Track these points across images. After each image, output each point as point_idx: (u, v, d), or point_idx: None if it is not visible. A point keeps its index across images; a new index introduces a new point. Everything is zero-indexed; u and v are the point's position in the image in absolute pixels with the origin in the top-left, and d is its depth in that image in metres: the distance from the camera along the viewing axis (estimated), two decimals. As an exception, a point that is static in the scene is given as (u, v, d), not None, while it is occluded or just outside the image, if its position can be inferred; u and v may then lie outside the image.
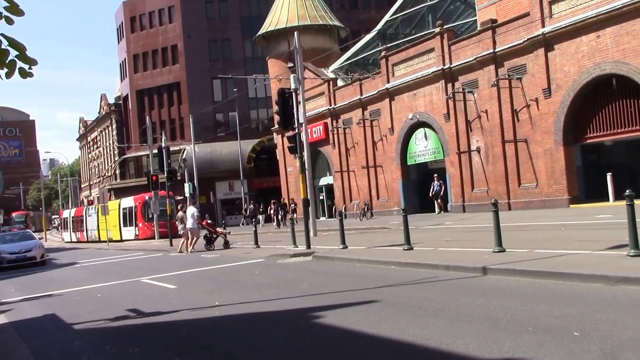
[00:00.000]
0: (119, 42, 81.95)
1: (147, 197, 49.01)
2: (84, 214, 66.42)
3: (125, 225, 54.22)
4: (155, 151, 42.33)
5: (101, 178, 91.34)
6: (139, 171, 74.73)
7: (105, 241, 53.26)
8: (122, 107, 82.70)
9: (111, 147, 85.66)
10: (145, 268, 22.26)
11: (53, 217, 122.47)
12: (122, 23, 78.37)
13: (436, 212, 35.54)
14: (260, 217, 51.03)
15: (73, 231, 69.67)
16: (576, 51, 27.90)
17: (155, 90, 74.50)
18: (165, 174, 37.25)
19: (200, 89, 70.38)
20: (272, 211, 49.75)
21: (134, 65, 75.84)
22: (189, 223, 27.25)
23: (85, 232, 65.13)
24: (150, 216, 47.96)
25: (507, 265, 11.64)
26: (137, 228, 51.70)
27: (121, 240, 52.71)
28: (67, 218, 74.43)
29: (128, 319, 11.22)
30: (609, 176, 27.74)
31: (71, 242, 68.06)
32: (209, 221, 29.68)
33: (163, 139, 43.12)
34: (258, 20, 60.20)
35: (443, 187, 36.06)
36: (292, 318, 9.86)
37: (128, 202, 54.85)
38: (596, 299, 8.75)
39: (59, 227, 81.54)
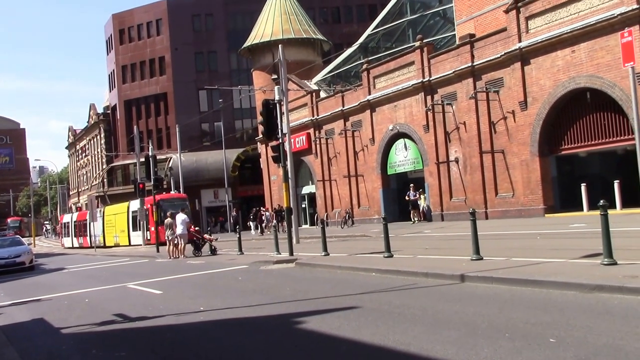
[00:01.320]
0: (108, 54, 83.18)
1: (159, 199, 46.28)
2: (87, 218, 60.57)
3: (135, 229, 50.76)
4: (143, 160, 42.73)
5: (89, 185, 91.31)
6: (127, 179, 75.73)
7: (111, 246, 51.25)
8: (111, 116, 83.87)
9: (99, 156, 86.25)
10: (132, 274, 22.31)
11: (45, 222, 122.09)
12: (111, 35, 79.74)
13: (412, 222, 35.70)
14: (251, 224, 49.98)
15: (75, 236, 65.50)
16: (552, 65, 28.43)
17: (143, 101, 75.95)
18: (152, 182, 37.56)
19: (187, 100, 71.61)
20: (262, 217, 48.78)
21: (123, 76, 77.25)
22: (179, 229, 27.45)
23: (88, 237, 59.97)
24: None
25: (485, 273, 11.86)
26: (148, 232, 48.31)
27: (130, 246, 49.71)
28: (68, 223, 69.78)
29: (114, 323, 11.31)
30: (583, 186, 28.21)
31: (72, 247, 63.95)
32: (196, 228, 29.88)
33: (150, 147, 43.64)
34: (243, 34, 60.85)
35: (420, 196, 36.27)
36: (274, 323, 10.00)
37: (138, 204, 50.53)
38: (571, 306, 8.93)
39: (59, 233, 75.63)
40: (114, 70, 79.46)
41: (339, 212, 43.61)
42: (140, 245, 47.41)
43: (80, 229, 63.53)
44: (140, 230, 48.42)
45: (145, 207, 46.59)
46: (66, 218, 72.29)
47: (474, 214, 14.47)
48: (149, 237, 47.45)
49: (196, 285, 16.46)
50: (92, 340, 10.00)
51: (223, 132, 56.87)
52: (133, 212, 49.95)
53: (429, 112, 35.35)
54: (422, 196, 36.46)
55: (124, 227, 52.68)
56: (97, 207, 68.03)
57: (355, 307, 10.34)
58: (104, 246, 54.25)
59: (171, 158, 65.00)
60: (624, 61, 10.26)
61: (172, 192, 55.41)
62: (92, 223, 57.18)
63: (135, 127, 58.80)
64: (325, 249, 19.80)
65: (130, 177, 72.77)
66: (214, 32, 73.46)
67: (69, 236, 67.64)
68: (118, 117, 78.80)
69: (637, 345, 6.62)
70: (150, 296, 15.11)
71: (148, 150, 43.50)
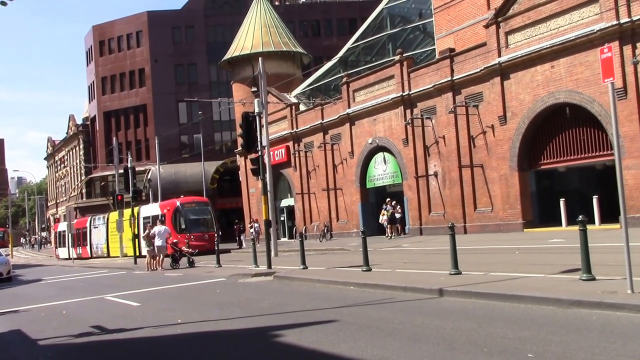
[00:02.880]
0: (87, 65, 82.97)
1: (178, 204, 42.38)
2: (87, 225, 56.80)
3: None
4: (121, 171, 42.30)
5: (67, 197, 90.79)
6: (105, 190, 75.20)
7: (117, 257, 46.91)
8: (90, 127, 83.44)
9: (78, 167, 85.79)
10: (110, 285, 22.07)
11: (25, 232, 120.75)
12: (91, 46, 79.57)
13: (389, 237, 34.97)
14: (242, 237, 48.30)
15: (72, 246, 58.79)
16: (531, 80, 28.61)
17: (122, 112, 75.78)
18: (131, 194, 37.41)
19: (166, 112, 71.58)
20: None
21: (102, 88, 77.07)
22: (158, 241, 27.26)
23: (89, 247, 56.12)
24: (184, 226, 41.43)
25: (463, 288, 11.83)
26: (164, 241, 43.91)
27: (139, 257, 42.60)
28: (63, 232, 61.77)
29: (92, 335, 11.19)
30: (562, 201, 28.36)
31: (69, 259, 55.98)
32: (174, 240, 29.69)
33: (129, 159, 43.44)
34: (223, 46, 61.00)
35: (397, 211, 35.98)
36: (252, 337, 9.91)
37: (151, 209, 46.31)
38: (550, 321, 8.93)
39: (55, 243, 67.69)
40: (93, 82, 79.27)
41: (317, 226, 43.49)
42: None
43: (79, 238, 58.11)
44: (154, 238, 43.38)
45: (162, 211, 42.68)
46: (62, 226, 64.26)
47: (453, 228, 14.44)
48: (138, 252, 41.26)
49: (174, 298, 16.33)
50: (70, 352, 9.98)
51: (202, 145, 56.71)
52: (144, 218, 44.82)
53: (408, 126, 35.42)
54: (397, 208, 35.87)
55: (132, 236, 47.75)
56: (76, 217, 66.79)
57: (333, 320, 10.28)
58: (108, 256, 50.15)
59: (150, 170, 64.62)
60: (603, 77, 10.23)
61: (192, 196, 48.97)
62: (92, 231, 53.80)
63: (114, 138, 58.52)
64: (303, 262, 19.75)
65: (108, 188, 72.12)
66: (194, 44, 73.69)
67: (64, 246, 60.94)
68: (97, 129, 78.46)
69: (616, 362, 6.61)
70: (128, 308, 14.97)
71: (127, 162, 43.24)
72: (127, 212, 46.65)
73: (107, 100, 76.69)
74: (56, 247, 65.47)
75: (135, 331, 11.14)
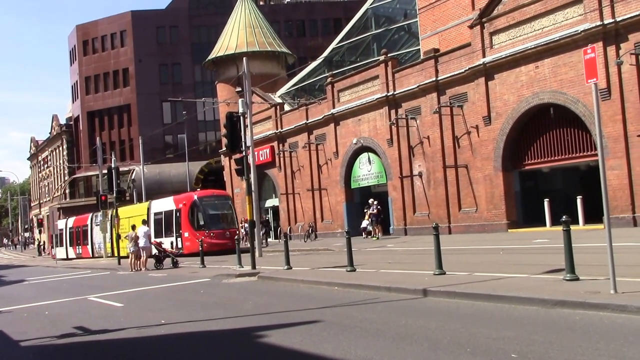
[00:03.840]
0: (71, 65, 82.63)
1: (195, 197, 38.35)
2: (88, 223, 51.96)
3: (159, 235, 39.65)
4: (105, 171, 41.87)
5: (51, 197, 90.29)
6: (89, 191, 75.02)
7: (125, 257, 41.09)
8: (73, 127, 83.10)
9: (61, 167, 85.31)
10: (93, 286, 21.93)
11: (9, 232, 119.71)
12: (75, 46, 79.25)
13: (374, 237, 34.31)
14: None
15: (71, 245, 55.42)
16: (515, 81, 28.70)
17: (106, 112, 75.56)
18: (115, 194, 37.20)
19: (150, 112, 71.39)
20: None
21: (86, 87, 76.78)
22: (142, 242, 27.15)
23: (90, 246, 51.90)
24: (202, 223, 37.44)
25: (447, 288, 11.84)
26: (180, 239, 38.27)
27: (150, 256, 41.58)
28: (61, 230, 59.17)
29: (75, 336, 11.09)
30: (546, 202, 28.46)
31: (68, 259, 54.20)
32: (157, 240, 29.54)
33: (113, 159, 43.06)
34: (208, 46, 61.00)
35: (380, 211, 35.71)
36: (236, 337, 9.89)
37: (163, 204, 41.57)
38: (533, 321, 8.96)
39: (51, 242, 64.38)
40: (77, 82, 78.94)
41: (302, 226, 43.44)
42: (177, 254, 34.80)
43: (79, 236, 54.13)
44: (168, 236, 38.92)
45: (178, 206, 38.46)
46: (59, 225, 61.29)
47: (437, 228, 14.45)
48: (180, 245, 38.09)
49: (158, 299, 16.25)
50: (52, 353, 9.94)
51: (187, 145, 56.59)
52: (156, 213, 41.40)
53: (393, 126, 35.44)
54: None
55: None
56: (59, 218, 65.67)
57: (317, 321, 10.27)
58: (114, 256, 43.18)
59: (134, 170, 64.35)
60: (587, 77, 10.25)
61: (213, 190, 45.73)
62: (94, 229, 49.30)
63: (98, 138, 58.07)
64: (288, 262, 19.72)
65: (92, 189, 72.06)
66: (178, 44, 73.61)
67: (62, 246, 57.50)
68: (81, 129, 78.14)
69: (599, 361, 6.63)
70: (111, 309, 14.89)
71: (111, 162, 42.84)
72: (139, 207, 44.69)
73: (90, 100, 76.42)
74: (52, 247, 61.87)
75: (119, 332, 11.09)
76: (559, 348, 7.25)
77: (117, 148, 70.62)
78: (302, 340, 8.85)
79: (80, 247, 54.06)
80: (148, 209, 41.90)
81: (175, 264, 27.24)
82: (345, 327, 9.60)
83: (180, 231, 38.21)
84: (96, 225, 48.09)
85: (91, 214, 52.14)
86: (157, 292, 17.80)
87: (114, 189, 37.37)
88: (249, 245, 22.88)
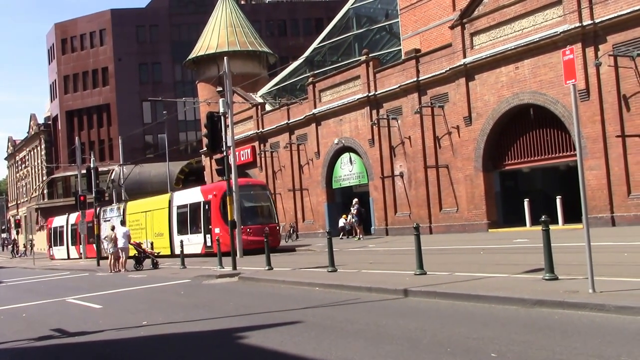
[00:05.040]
0: (49, 63, 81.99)
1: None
2: (94, 218, 44.85)
3: (183, 231, 34.98)
4: (84, 171, 41.48)
5: (29, 197, 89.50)
6: (67, 191, 74.12)
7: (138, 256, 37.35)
8: (52, 127, 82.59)
9: (39, 167, 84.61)
10: (72, 288, 21.77)
11: None
12: (53, 44, 78.63)
13: (356, 238, 34.23)
14: None
15: (74, 244, 49.76)
16: (496, 81, 28.86)
17: (85, 112, 75.04)
18: (94, 194, 36.87)
19: (130, 111, 71.00)
20: None
21: (65, 86, 76.29)
22: (121, 243, 26.99)
23: (95, 245, 42.78)
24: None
25: (428, 288, 11.86)
26: (209, 237, 32.52)
27: (173, 255, 34.26)
28: (61, 228, 53.06)
29: (52, 338, 10.98)
30: (526, 202, 28.64)
31: (69, 259, 49.22)
32: (137, 241, 29.33)
33: (92, 159, 42.57)
34: (188, 45, 60.72)
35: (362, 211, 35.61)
36: (216, 338, 9.85)
37: (189, 196, 35.98)
38: (513, 321, 9.00)
39: (48, 241, 57.21)
40: (55, 80, 78.35)
41: (283, 226, 43.34)
42: (206, 253, 32.60)
43: (88, 233, 46.80)
44: (195, 232, 34.12)
45: (206, 197, 33.19)
46: (58, 221, 54.56)
47: (418, 228, 14.47)
48: (209, 243, 32.71)
49: (137, 300, 16.13)
50: (30, 356, 9.87)
51: (167, 144, 56.28)
52: (179, 206, 35.97)
53: (374, 127, 35.50)
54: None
55: (162, 229, 37.36)
56: (37, 219, 64.46)
57: (298, 322, 10.25)
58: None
59: (113, 170, 63.85)
60: (565, 79, 10.33)
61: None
62: (101, 226, 42.52)
63: (77, 138, 57.93)
64: (269, 263, 19.67)
65: (71, 189, 71.38)
66: (158, 43, 73.31)
67: (63, 245, 52.32)
68: (59, 128, 77.66)
69: (577, 360, 6.68)
70: (90, 310, 14.75)
71: (90, 162, 42.47)
72: (156, 200, 39.95)
73: (69, 100, 75.93)
74: (50, 247, 56.47)
75: (97, 334, 10.99)
76: (538, 347, 7.29)
77: (96, 148, 70.29)
78: (282, 341, 8.82)
79: (84, 246, 47.11)
80: (169, 202, 36.94)
81: (155, 265, 27.08)
82: (326, 328, 9.59)
83: (210, 227, 32.51)
84: (105, 221, 42.68)
85: (98, 208, 45.59)
86: (137, 294, 17.69)
87: (93, 189, 37.13)
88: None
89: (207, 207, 32.59)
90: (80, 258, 47.36)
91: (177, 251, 31.90)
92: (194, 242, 33.13)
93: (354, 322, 9.86)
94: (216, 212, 32.12)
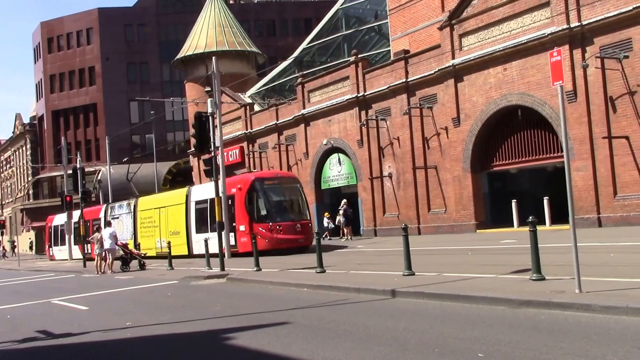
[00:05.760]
0: (35, 62, 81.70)
1: (254, 179, 29.43)
2: (102, 216, 42.82)
3: (202, 229, 31.62)
4: (70, 172, 41.12)
5: (14, 198, 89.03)
6: (53, 191, 73.89)
7: (153, 257, 33.16)
8: (37, 127, 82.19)
9: (25, 167, 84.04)
10: (58, 289, 21.67)
11: None
12: (39, 43, 78.33)
13: (345, 239, 34.60)
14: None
15: (77, 244, 44.97)
16: (484, 82, 28.97)
17: (72, 111, 74.72)
18: (80, 195, 36.57)
19: (117, 111, 70.88)
20: None
21: (51, 86, 75.97)
22: (107, 244, 26.81)
23: (83, 246, 40.13)
24: (265, 212, 28.73)
25: (416, 289, 11.90)
26: (234, 235, 29.00)
27: (191, 256, 31.99)
28: (62, 226, 48.37)
29: (37, 340, 10.93)
30: (513, 203, 28.74)
31: (72, 260, 45.35)
32: (123, 242, 29.18)
33: (78, 159, 42.31)
34: (176, 45, 60.70)
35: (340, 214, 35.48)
36: (204, 339, 9.84)
37: (210, 190, 29.08)
38: (500, 321, 9.05)
39: (48, 241, 54.01)
40: (41, 80, 78.07)
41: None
42: (232, 253, 28.37)
43: (88, 233, 41.31)
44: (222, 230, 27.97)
45: (230, 191, 29.09)
46: (59, 219, 49.75)
47: (406, 229, 14.52)
48: (233, 242, 29.05)
49: (124, 301, 16.07)
50: (14, 358, 9.78)
51: (154, 145, 56.08)
52: (198, 202, 32.74)
53: (363, 127, 35.54)
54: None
55: (178, 227, 34.00)
56: (22, 219, 63.81)
57: (286, 322, 10.26)
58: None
59: (100, 170, 63.56)
60: (553, 80, 10.40)
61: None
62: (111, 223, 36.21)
63: (63, 138, 57.42)
64: (257, 264, 19.70)
65: (57, 189, 71.19)
66: (146, 42, 73.21)
67: (64, 244, 47.74)
68: (45, 128, 77.32)
69: (563, 360, 6.72)
70: (75, 312, 14.69)
71: (76, 162, 42.20)
72: (171, 195, 36.47)
73: (55, 99, 75.62)
74: (50, 246, 52.88)
75: (83, 335, 10.92)
76: (525, 347, 7.34)
77: (82, 148, 70.10)
78: (270, 342, 8.83)
79: (89, 246, 39.25)
80: (187, 197, 33.52)
81: (142, 266, 26.97)
82: (314, 329, 9.61)
83: (234, 224, 29.08)
84: (113, 218, 40.22)
85: (105, 204, 44.64)
86: (124, 295, 17.63)
87: (80, 189, 36.91)
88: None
89: (230, 202, 28.88)
90: (91, 259, 41.96)
91: (196, 251, 31.02)
92: (215, 242, 27.30)
93: (342, 323, 9.88)
94: (241, 208, 29.06)
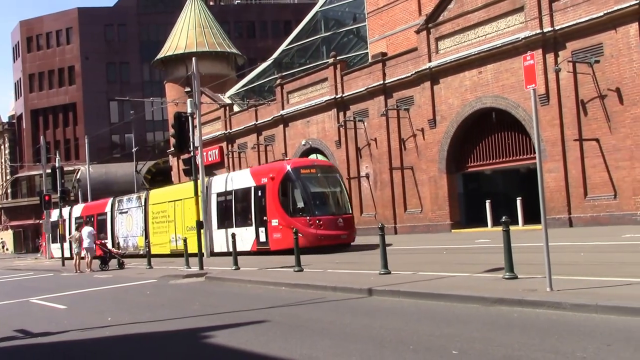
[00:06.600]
0: (14, 61, 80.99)
1: (289, 168, 25.73)
2: (108, 210, 39.56)
3: (226, 225, 28.46)
4: (49, 171, 40.75)
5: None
6: (32, 191, 73.53)
7: (166, 255, 31.74)
8: (16, 126, 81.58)
9: (3, 166, 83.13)
10: (36, 288, 21.51)
11: None
12: (18, 42, 77.83)
13: None
14: None
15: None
16: (460, 85, 29.31)
17: (51, 110, 74.39)
18: (59, 194, 36.38)
19: (97, 110, 70.56)
20: None
21: (30, 85, 75.46)
22: (86, 243, 26.71)
23: (110, 241, 37.36)
24: (302, 205, 25.14)
25: (392, 287, 12.02)
26: (265, 230, 26.14)
27: (212, 254, 28.31)
28: (62, 222, 42.75)
29: (15, 339, 10.87)
30: (487, 203, 29.10)
31: (72, 258, 37.00)
32: (103, 241, 29.07)
33: (57, 158, 41.93)
34: (156, 45, 60.49)
35: None
36: (182, 338, 9.86)
37: (237, 179, 28.76)
38: (474, 319, 9.17)
39: (44, 239, 51.31)
40: (20, 79, 77.49)
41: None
42: (261, 251, 26.41)
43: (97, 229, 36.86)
44: (245, 225, 27.23)
45: (261, 181, 26.51)
46: (55, 215, 43.57)
47: (383, 229, 14.72)
48: (264, 239, 26.28)
49: (103, 300, 16.02)
50: (-10, 357, 9.65)
51: (134, 144, 55.90)
52: (219, 194, 29.55)
53: (341, 128, 35.77)
54: None
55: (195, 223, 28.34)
56: (0, 219, 63.22)
57: (264, 321, 10.30)
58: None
59: (79, 169, 63.26)
60: (526, 83, 10.66)
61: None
62: (116, 219, 38.06)
63: (42, 137, 56.84)
64: (236, 263, 19.71)
65: (35, 188, 70.55)
66: (126, 42, 72.94)
67: (65, 241, 40.04)
68: (24, 127, 76.76)
69: (534, 356, 6.87)
70: (54, 311, 14.63)
71: (55, 161, 41.91)
72: (186, 187, 30.12)
73: (34, 98, 75.10)
74: (46, 244, 49.07)
75: (62, 334, 10.89)
76: (498, 344, 7.46)
77: (62, 147, 69.52)
78: (248, 340, 8.86)
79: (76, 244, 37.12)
80: (207, 189, 29.65)
81: (121, 265, 26.95)
82: (291, 327, 9.69)
83: (266, 218, 26.05)
84: (120, 213, 37.97)
85: (111, 198, 40.66)
86: (102, 294, 17.57)
87: (58, 188, 36.73)
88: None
89: (260, 194, 26.30)
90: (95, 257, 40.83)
91: (218, 249, 28.54)
92: (241, 238, 25.89)
93: (319, 321, 9.98)
94: (274, 200, 25.61)
